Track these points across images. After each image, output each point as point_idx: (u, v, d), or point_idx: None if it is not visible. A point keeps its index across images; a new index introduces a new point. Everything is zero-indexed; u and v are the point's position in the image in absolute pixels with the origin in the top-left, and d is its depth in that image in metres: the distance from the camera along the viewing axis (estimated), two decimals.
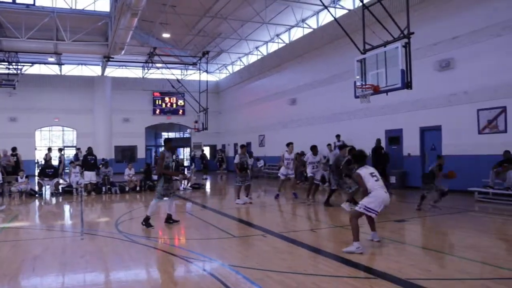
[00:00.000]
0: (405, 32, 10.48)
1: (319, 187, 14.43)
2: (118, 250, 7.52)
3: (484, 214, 11.12)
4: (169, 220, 9.70)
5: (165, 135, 40.35)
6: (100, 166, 19.03)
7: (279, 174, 15.39)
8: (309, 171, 13.88)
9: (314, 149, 13.88)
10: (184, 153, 39.61)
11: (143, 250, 7.56)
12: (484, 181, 13.10)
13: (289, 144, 14.85)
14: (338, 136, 19.36)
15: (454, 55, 15.21)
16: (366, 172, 7.30)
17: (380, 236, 7.68)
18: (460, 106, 15.02)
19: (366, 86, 11.09)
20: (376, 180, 7.18)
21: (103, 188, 17.53)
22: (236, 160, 13.70)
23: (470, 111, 14.62)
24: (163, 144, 10.59)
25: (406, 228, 9.24)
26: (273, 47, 28.61)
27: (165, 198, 9.68)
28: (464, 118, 14.82)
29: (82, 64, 34.56)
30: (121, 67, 34.93)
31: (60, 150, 23.01)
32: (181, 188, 18.77)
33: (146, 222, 9.35)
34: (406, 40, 10.41)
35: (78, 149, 28.16)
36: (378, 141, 16.39)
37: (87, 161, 17.52)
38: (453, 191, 14.82)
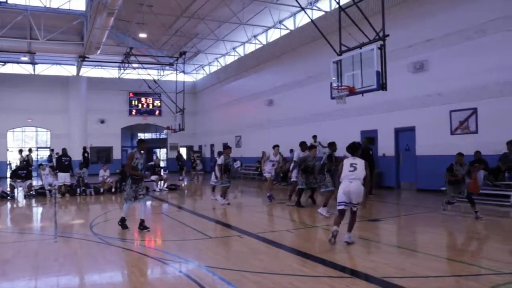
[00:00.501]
0: (381, 34, 10.59)
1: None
2: (93, 252, 7.41)
3: (456, 213, 11.29)
4: (141, 226, 9.14)
5: (141, 135, 40.02)
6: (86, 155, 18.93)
7: (265, 174, 15.19)
8: (294, 174, 13.37)
9: (303, 145, 13.29)
10: (161, 154, 39.37)
11: (118, 252, 7.49)
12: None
13: (275, 147, 14.82)
14: (315, 137, 19.47)
15: (428, 58, 15.48)
16: (348, 161, 7.57)
17: (355, 235, 7.76)
18: (433, 108, 15.29)
19: (342, 87, 11.17)
20: (350, 171, 7.41)
21: (78, 190, 17.27)
22: (220, 161, 13.59)
23: (443, 112, 14.89)
24: (136, 144, 10.00)
25: (380, 228, 9.35)
26: (250, 48, 28.67)
27: (137, 201, 9.23)
28: (437, 119, 15.10)
29: (56, 63, 34.00)
30: (96, 67, 34.57)
31: (29, 150, 22.53)
32: (157, 189, 18.63)
33: (122, 223, 9.16)
34: (381, 42, 10.52)
35: (52, 150, 27.70)
36: (367, 141, 16.15)
37: (61, 162, 17.24)
38: (426, 190, 15.14)
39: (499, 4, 13.33)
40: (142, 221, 9.18)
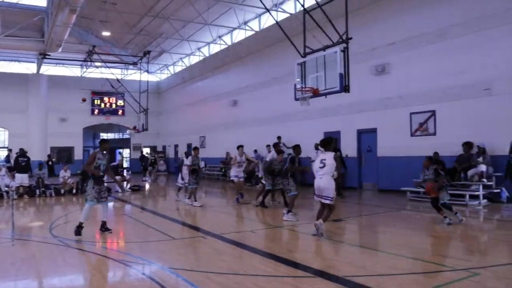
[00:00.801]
0: (344, 37, 10.76)
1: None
2: (52, 255, 7.23)
3: (415, 213, 11.65)
4: (103, 228, 8.96)
5: (103, 135, 39.33)
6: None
7: (232, 178, 14.90)
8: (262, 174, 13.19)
9: (277, 146, 13.31)
10: (124, 155, 38.79)
11: (78, 255, 7.33)
12: (415, 181, 13.70)
13: (239, 147, 14.60)
14: (279, 138, 19.59)
15: (390, 61, 15.85)
16: (319, 158, 8.06)
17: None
18: (394, 110, 15.66)
19: (306, 88, 11.29)
20: (320, 167, 7.90)
21: (37, 191, 16.81)
22: (188, 162, 13.56)
23: (404, 115, 15.28)
24: (98, 144, 9.64)
25: (343, 227, 9.50)
26: (215, 48, 28.57)
27: (99, 203, 8.86)
28: (398, 121, 15.47)
29: (15, 60, 32.90)
30: (58, 65, 33.70)
31: None
32: (119, 190, 18.24)
33: (78, 228, 8.62)
34: (344, 45, 10.69)
35: (9, 150, 26.84)
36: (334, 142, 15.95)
37: (18, 163, 16.75)
38: (388, 190, 15.49)
39: (458, 10, 13.79)
40: (104, 223, 9.00)
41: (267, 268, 6.13)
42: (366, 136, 17.06)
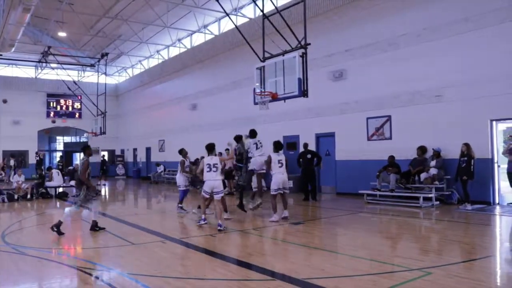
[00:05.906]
0: (302, 42, 10.93)
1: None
2: (5, 263, 7.00)
3: (372, 215, 11.94)
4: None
5: (60, 139, 38.33)
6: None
7: (180, 189, 13.73)
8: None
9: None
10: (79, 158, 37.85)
11: (34, 263, 7.11)
12: (372, 184, 14.08)
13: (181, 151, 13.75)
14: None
15: (346, 67, 16.20)
16: (276, 157, 10.51)
17: (276, 237, 7.95)
18: (351, 115, 16.02)
19: (265, 93, 11.39)
20: (279, 167, 10.40)
21: None
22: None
23: (361, 119, 15.65)
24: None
25: (302, 230, 9.63)
26: (174, 51, 28.42)
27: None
28: (355, 126, 15.82)
29: None
30: (11, 65, 32.63)
31: None
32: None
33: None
34: (303, 50, 10.85)
35: None
36: (305, 145, 15.76)
37: None
38: (345, 193, 15.81)
39: (408, 21, 14.27)
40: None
41: (227, 272, 6.17)
42: (325, 140, 17.34)
